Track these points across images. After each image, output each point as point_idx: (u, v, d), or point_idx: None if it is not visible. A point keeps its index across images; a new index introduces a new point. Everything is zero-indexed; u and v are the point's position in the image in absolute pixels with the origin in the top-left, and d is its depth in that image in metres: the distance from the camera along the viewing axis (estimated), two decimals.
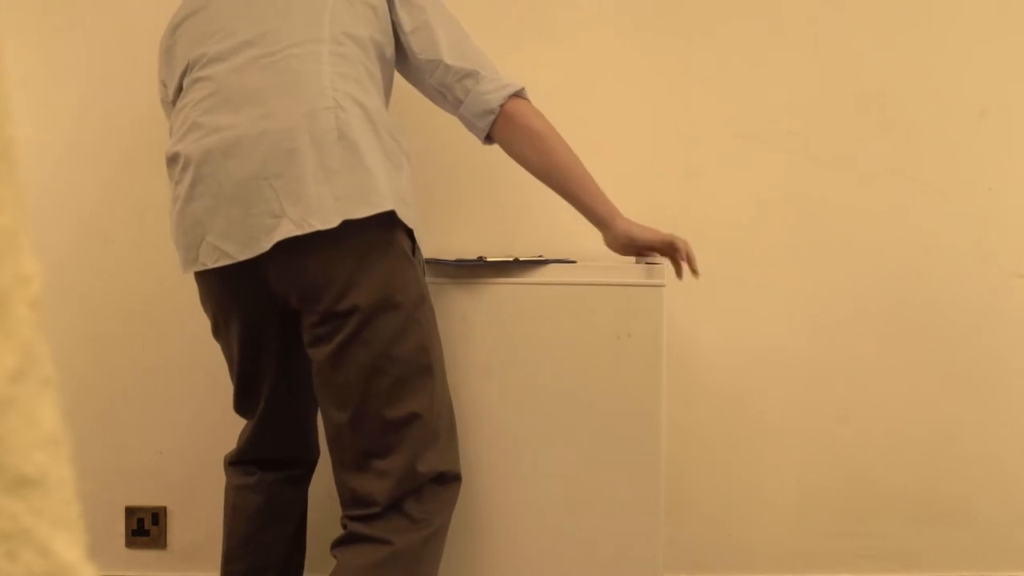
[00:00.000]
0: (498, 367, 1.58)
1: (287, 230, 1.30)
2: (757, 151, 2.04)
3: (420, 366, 1.39)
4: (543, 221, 2.01)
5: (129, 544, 2.04)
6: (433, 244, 1.96)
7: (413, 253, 1.42)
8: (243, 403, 1.56)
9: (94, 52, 2.03)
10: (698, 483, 2.04)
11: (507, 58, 2.03)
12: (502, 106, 1.52)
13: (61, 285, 1.99)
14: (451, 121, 2.02)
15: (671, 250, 1.58)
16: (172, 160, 1.41)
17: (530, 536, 1.60)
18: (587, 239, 1.99)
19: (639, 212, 2.03)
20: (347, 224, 1.31)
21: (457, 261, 1.60)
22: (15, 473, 0.30)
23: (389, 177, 1.37)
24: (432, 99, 1.60)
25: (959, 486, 2.05)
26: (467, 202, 2.02)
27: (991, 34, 2.05)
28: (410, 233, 1.42)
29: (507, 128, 1.53)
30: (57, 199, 2.02)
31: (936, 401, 2.05)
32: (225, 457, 1.65)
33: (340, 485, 1.44)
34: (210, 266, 1.37)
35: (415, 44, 1.53)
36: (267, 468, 1.60)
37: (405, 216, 1.38)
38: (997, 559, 2.06)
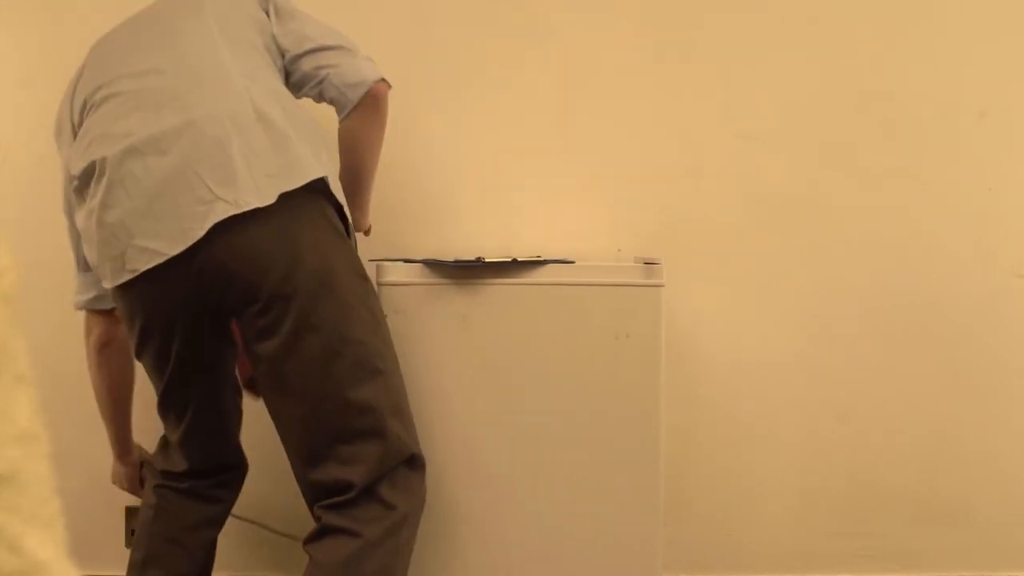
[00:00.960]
0: (496, 367, 1.58)
1: (222, 211, 1.29)
2: (757, 151, 2.03)
3: (374, 344, 1.38)
4: (541, 221, 2.01)
5: (129, 544, 2.04)
6: (431, 245, 1.96)
7: (347, 232, 1.43)
8: (169, 413, 1.53)
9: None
10: (697, 483, 2.03)
11: (506, 58, 2.03)
12: (376, 83, 1.52)
13: (60, 284, 2.00)
14: (448, 122, 2.03)
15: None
16: (84, 174, 1.38)
17: (529, 536, 1.59)
18: (586, 239, 1.99)
19: (639, 212, 2.03)
20: (283, 201, 1.31)
21: (455, 262, 1.60)
22: None
23: (315, 152, 1.39)
24: (300, 88, 1.58)
25: (959, 486, 2.05)
26: (465, 203, 2.02)
27: (991, 34, 2.05)
28: (340, 211, 1.42)
29: (372, 107, 1.53)
30: (57, 199, 2.02)
31: (936, 401, 2.05)
32: (152, 463, 1.63)
33: (308, 483, 1.42)
34: (141, 269, 1.33)
35: (289, 45, 1.54)
36: (198, 476, 1.58)
37: (336, 188, 1.39)
38: (997, 559, 2.05)
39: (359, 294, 1.39)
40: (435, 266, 1.60)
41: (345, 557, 1.34)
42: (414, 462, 1.42)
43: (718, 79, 2.04)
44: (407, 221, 1.90)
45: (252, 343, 1.37)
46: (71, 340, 1.98)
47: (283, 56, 1.54)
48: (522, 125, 2.03)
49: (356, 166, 1.58)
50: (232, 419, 1.58)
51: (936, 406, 2.04)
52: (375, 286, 1.56)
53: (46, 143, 2.03)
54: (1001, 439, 2.05)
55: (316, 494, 1.40)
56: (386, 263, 1.59)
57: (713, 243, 2.02)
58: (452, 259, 1.64)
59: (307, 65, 1.52)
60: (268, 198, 1.30)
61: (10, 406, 0.31)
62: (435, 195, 2.01)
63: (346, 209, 1.43)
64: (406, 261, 1.61)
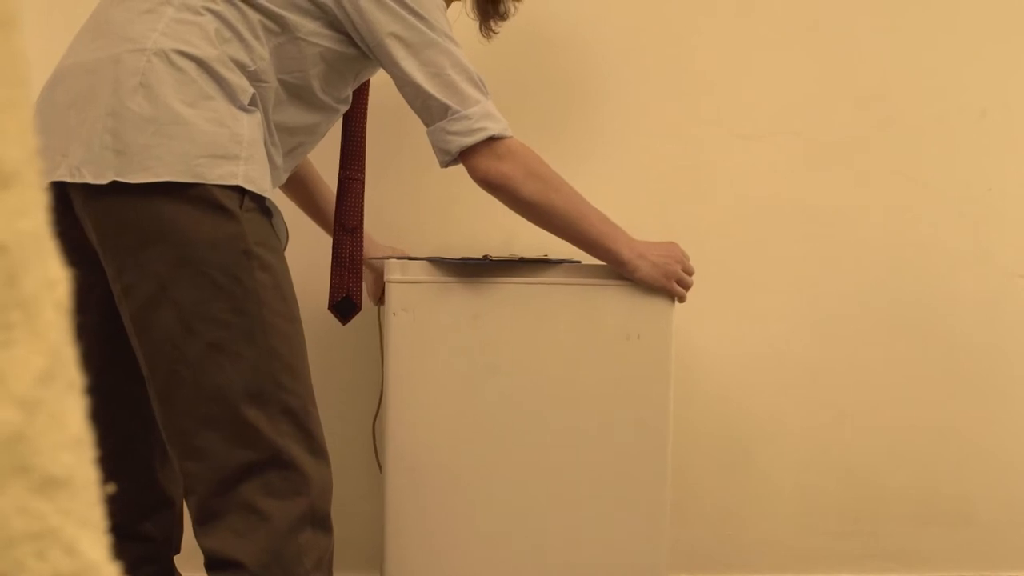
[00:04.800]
0: (504, 367, 1.59)
1: (61, 174, 1.22)
2: (757, 151, 2.04)
3: (243, 325, 1.25)
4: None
5: None
6: (436, 242, 1.96)
7: (241, 206, 1.27)
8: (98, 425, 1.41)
9: None
10: (701, 483, 2.04)
11: (505, 59, 2.03)
12: (463, 152, 1.45)
13: None
14: None
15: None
16: None
17: (536, 536, 1.60)
18: None
19: (640, 213, 2.03)
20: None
21: (462, 260, 1.60)
22: (43, 474, 0.30)
23: (205, 131, 1.25)
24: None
25: (959, 486, 2.06)
26: (465, 202, 2.02)
27: (991, 34, 2.06)
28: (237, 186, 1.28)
29: (488, 185, 1.48)
30: None
31: (936, 401, 2.06)
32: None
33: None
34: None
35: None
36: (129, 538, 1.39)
37: (210, 176, 1.24)
38: (997, 559, 2.06)
39: (234, 275, 1.25)
40: (441, 264, 1.60)
41: None
42: (285, 464, 1.27)
43: (718, 79, 2.05)
44: (408, 221, 1.90)
45: (117, 299, 1.28)
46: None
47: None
48: (521, 125, 2.03)
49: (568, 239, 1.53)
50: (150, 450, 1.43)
51: (936, 406, 2.06)
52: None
53: None
54: (1001, 439, 2.06)
55: (185, 491, 1.29)
56: (391, 260, 1.59)
57: (713, 243, 2.03)
58: (458, 257, 1.64)
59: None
60: (103, 176, 1.22)
61: (64, 412, 0.31)
62: (435, 195, 2.01)
63: (249, 189, 1.28)
64: (411, 259, 1.61)
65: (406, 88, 1.43)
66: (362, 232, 1.68)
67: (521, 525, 1.59)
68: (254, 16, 1.34)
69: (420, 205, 2.00)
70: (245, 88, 1.32)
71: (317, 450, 1.32)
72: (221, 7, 1.32)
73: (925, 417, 2.06)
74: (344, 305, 1.69)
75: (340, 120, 1.64)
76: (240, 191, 1.27)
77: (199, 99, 1.26)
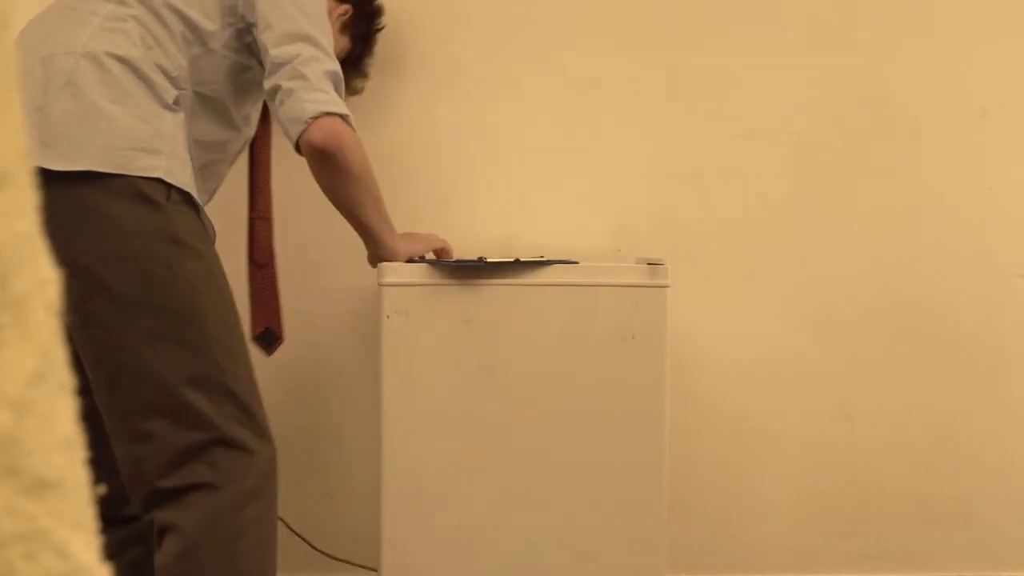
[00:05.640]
0: (500, 368, 1.59)
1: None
2: (757, 151, 2.04)
3: (180, 312, 1.30)
4: (540, 221, 2.01)
5: None
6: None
7: (168, 198, 1.32)
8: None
9: None
10: (700, 483, 2.04)
11: (505, 59, 2.03)
12: (313, 121, 1.44)
13: None
14: (448, 121, 2.03)
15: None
16: None
17: (533, 537, 1.60)
18: (586, 239, 2.00)
19: (640, 213, 2.03)
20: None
21: (457, 262, 1.60)
22: (34, 475, 0.30)
23: (128, 127, 1.30)
24: None
25: (959, 486, 2.06)
26: (464, 202, 2.02)
27: (991, 34, 2.06)
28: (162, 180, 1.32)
29: (313, 155, 1.46)
30: None
31: (936, 401, 2.05)
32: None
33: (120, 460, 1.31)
34: None
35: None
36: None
37: (131, 168, 1.28)
38: (997, 559, 2.06)
39: (169, 265, 1.30)
40: (437, 266, 1.60)
41: (175, 557, 1.27)
42: (230, 443, 1.30)
43: (718, 79, 2.04)
44: (407, 221, 1.89)
45: None
46: None
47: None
48: (521, 125, 2.03)
49: (344, 214, 1.53)
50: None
51: (936, 406, 2.05)
52: (377, 287, 1.57)
53: None
54: (1002, 439, 2.06)
55: (129, 475, 1.31)
56: (387, 263, 1.59)
57: (713, 243, 2.03)
58: (453, 259, 1.64)
59: (267, 82, 1.45)
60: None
61: (55, 413, 0.31)
62: (435, 194, 2.01)
63: (172, 182, 1.33)
64: (408, 261, 1.61)
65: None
66: (275, 266, 1.72)
67: (518, 526, 1.59)
68: (176, 26, 1.40)
69: (420, 205, 2.00)
70: (168, 89, 1.37)
71: (260, 429, 1.36)
72: (145, 17, 1.38)
73: (925, 417, 2.05)
74: (266, 336, 1.72)
75: (247, 164, 1.71)
76: (165, 184, 1.31)
77: (123, 96, 1.31)
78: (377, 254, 1.59)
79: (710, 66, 2.04)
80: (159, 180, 1.31)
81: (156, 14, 1.39)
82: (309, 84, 1.42)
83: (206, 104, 1.46)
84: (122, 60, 1.33)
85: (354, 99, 2.00)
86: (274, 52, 1.42)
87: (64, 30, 1.35)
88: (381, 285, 1.59)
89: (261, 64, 1.47)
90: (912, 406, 2.05)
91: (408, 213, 1.98)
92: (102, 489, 0.33)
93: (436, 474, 1.58)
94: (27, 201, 0.31)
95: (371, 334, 1.88)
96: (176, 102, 1.38)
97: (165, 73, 1.38)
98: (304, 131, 1.40)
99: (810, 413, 2.05)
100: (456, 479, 1.59)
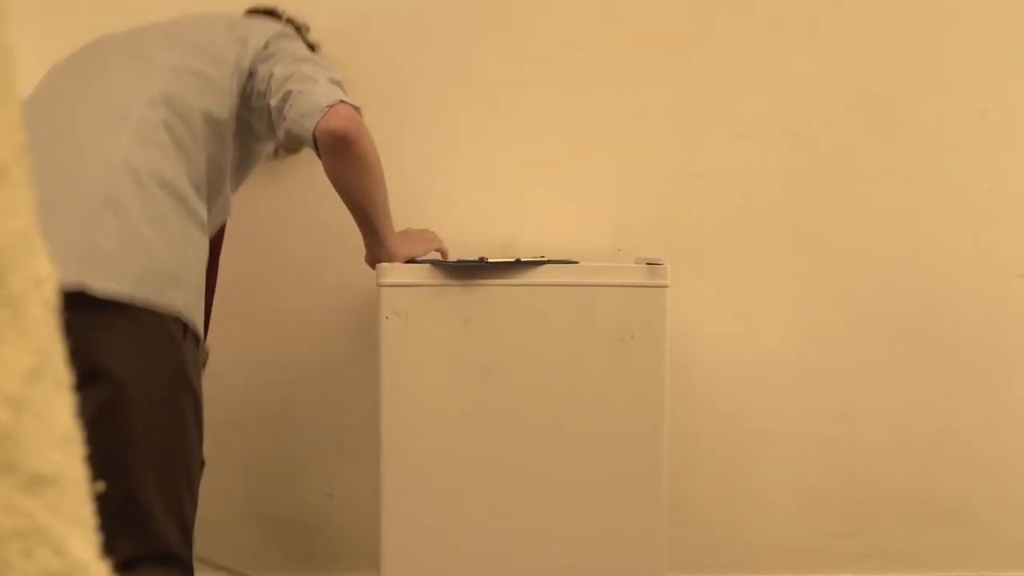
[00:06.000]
0: (499, 369, 1.59)
1: None
2: (757, 151, 2.04)
3: (171, 447, 1.35)
4: (540, 221, 2.01)
5: None
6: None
7: (184, 335, 1.36)
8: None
9: None
10: (699, 483, 2.04)
11: (507, 58, 2.03)
12: (330, 108, 1.47)
13: None
14: (448, 121, 2.03)
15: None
16: None
17: (532, 538, 1.60)
18: (586, 239, 2.00)
19: (639, 212, 2.03)
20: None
21: (458, 262, 1.60)
22: (31, 472, 0.30)
23: (161, 252, 1.33)
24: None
25: (959, 486, 2.06)
26: (464, 202, 2.02)
27: (991, 34, 2.06)
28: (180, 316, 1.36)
29: (331, 144, 1.48)
30: None
31: (936, 401, 2.05)
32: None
33: None
34: None
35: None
36: None
37: (160, 301, 1.31)
38: (997, 559, 2.06)
39: (167, 395, 1.35)
40: (437, 266, 1.60)
41: None
42: (173, 561, 1.34)
43: (718, 79, 2.04)
44: (407, 221, 1.89)
45: None
46: None
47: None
48: (521, 125, 2.03)
49: (352, 208, 1.54)
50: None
51: (936, 406, 2.05)
52: (376, 288, 1.57)
53: None
54: (1001, 439, 2.06)
55: None
56: (386, 264, 1.59)
57: (712, 243, 2.03)
58: (454, 259, 1.64)
59: (273, 98, 1.48)
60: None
61: (52, 410, 0.31)
62: (435, 194, 2.01)
63: (188, 319, 1.37)
64: (407, 261, 1.61)
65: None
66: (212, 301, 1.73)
67: (517, 526, 1.59)
68: (198, 127, 1.44)
69: (420, 205, 2.00)
70: (200, 205, 1.41)
71: (190, 557, 1.41)
72: (172, 121, 1.40)
73: (925, 417, 2.05)
74: None
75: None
76: (182, 322, 1.35)
77: (159, 219, 1.34)
78: (376, 254, 1.60)
79: (710, 66, 2.04)
80: (178, 318, 1.35)
81: (182, 116, 1.42)
82: (318, 84, 1.45)
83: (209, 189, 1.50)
84: (161, 181, 1.35)
85: (355, 99, 2.01)
86: (279, 72, 1.46)
87: (97, 128, 1.36)
88: (380, 285, 1.58)
89: (257, 133, 1.53)
90: (912, 406, 2.05)
91: (409, 213, 1.98)
92: (100, 486, 0.33)
93: (436, 474, 1.58)
94: (23, 198, 0.31)
95: (371, 334, 1.88)
96: (201, 222, 1.42)
97: (196, 188, 1.41)
98: (322, 118, 1.42)
99: (810, 413, 2.05)
100: (456, 479, 1.59)
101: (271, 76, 1.49)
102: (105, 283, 1.26)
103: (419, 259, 1.62)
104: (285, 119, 1.45)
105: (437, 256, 1.69)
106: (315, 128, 1.42)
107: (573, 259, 1.63)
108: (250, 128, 1.55)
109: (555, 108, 2.03)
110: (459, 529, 1.59)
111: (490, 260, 1.60)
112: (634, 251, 1.99)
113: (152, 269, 1.31)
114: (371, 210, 1.54)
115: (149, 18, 1.91)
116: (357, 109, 1.47)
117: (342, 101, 1.44)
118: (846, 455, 2.05)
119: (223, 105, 1.48)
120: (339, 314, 1.99)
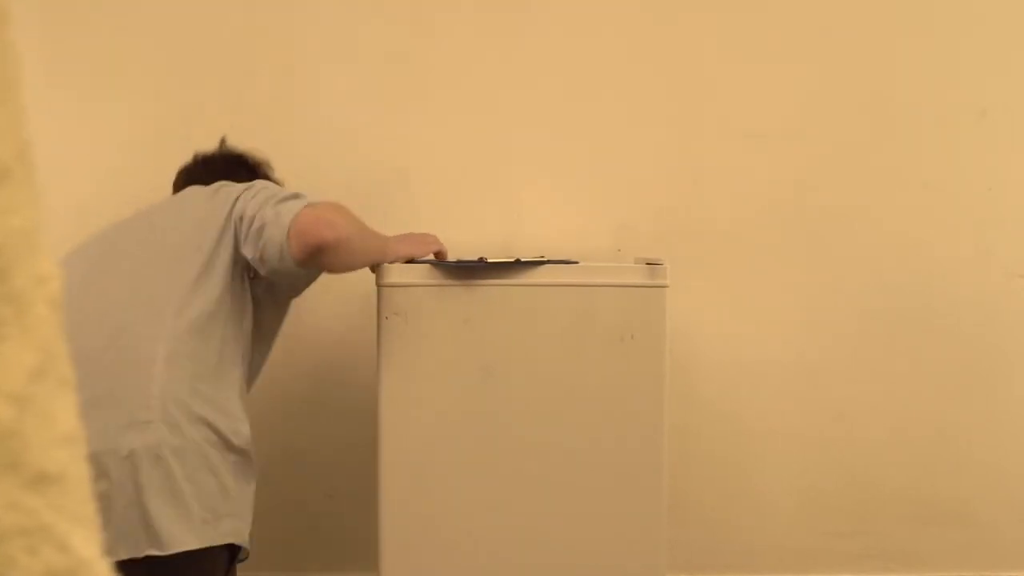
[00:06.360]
0: (499, 369, 1.59)
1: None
2: (757, 151, 2.04)
3: None
4: (540, 221, 2.01)
5: None
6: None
7: (231, 562, 1.44)
8: None
9: (95, 52, 2.03)
10: (699, 484, 2.04)
11: (507, 58, 2.03)
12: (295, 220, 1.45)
13: None
14: (448, 121, 2.03)
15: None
16: None
17: (532, 538, 1.60)
18: (586, 239, 2.00)
19: (639, 212, 2.03)
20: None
21: (458, 262, 1.60)
22: (35, 470, 0.30)
23: (211, 495, 1.38)
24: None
25: (959, 486, 2.06)
26: (464, 202, 2.02)
27: (991, 34, 2.06)
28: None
29: (307, 253, 1.43)
30: (54, 200, 2.02)
31: (936, 401, 2.05)
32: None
33: None
34: None
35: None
36: None
37: (213, 538, 1.38)
38: (997, 559, 2.06)
39: None
40: (437, 267, 1.60)
41: None
42: None
43: (718, 79, 2.05)
44: (407, 222, 1.90)
45: None
46: None
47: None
48: (522, 125, 2.04)
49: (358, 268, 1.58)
50: None
51: (936, 406, 2.05)
52: (376, 288, 1.57)
53: (43, 145, 2.03)
54: (1001, 439, 2.06)
55: None
56: (387, 264, 1.59)
57: (712, 243, 2.03)
58: (454, 259, 1.64)
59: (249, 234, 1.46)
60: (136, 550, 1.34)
61: (56, 408, 0.31)
62: (435, 195, 2.01)
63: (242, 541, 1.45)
64: (407, 262, 1.60)
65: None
66: None
67: (517, 526, 1.59)
68: (248, 324, 1.49)
69: (421, 206, 2.00)
70: (248, 443, 1.44)
71: None
72: (229, 331, 1.45)
73: (925, 417, 2.05)
74: None
75: None
76: (232, 547, 1.42)
77: (206, 470, 1.37)
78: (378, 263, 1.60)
79: (710, 66, 2.04)
80: (228, 545, 1.41)
81: (234, 320, 1.45)
82: (279, 208, 1.42)
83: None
84: (209, 427, 1.38)
85: (356, 99, 2.01)
86: (250, 213, 1.45)
87: (153, 369, 1.36)
88: (380, 285, 1.58)
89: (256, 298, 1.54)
90: (912, 406, 2.05)
91: (409, 214, 1.99)
92: (104, 485, 0.33)
93: (435, 474, 1.58)
94: (26, 197, 0.31)
95: (371, 334, 1.88)
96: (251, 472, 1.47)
97: (238, 429, 1.43)
98: (290, 231, 1.39)
99: (809, 413, 2.05)
100: (455, 479, 1.59)
101: (249, 223, 1.46)
102: (162, 548, 1.32)
103: (419, 259, 1.62)
104: (263, 248, 1.42)
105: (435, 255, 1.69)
106: (292, 257, 1.40)
107: (573, 259, 1.63)
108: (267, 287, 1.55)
109: (555, 108, 2.03)
110: (459, 529, 1.59)
111: (490, 260, 1.60)
112: (634, 251, 1.99)
113: (204, 514, 1.36)
114: (370, 259, 1.56)
115: (149, 18, 1.91)
116: (319, 205, 1.45)
117: (303, 208, 1.42)
118: (846, 455, 2.05)
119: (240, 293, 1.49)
120: (339, 314, 1.99)
